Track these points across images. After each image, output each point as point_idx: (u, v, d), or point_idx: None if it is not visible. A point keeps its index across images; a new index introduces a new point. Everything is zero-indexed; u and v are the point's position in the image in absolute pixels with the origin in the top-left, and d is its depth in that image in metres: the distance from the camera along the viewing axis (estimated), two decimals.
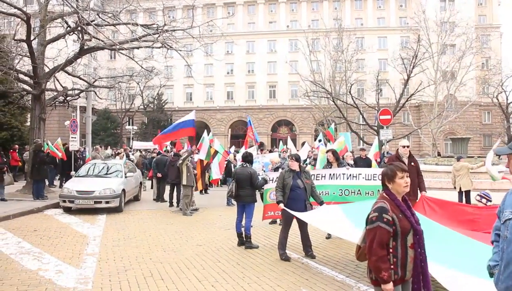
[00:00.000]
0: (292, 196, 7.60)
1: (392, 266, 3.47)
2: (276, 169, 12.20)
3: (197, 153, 14.14)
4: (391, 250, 3.50)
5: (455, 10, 41.25)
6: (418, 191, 8.19)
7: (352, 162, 10.10)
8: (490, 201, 6.92)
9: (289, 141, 21.19)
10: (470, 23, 44.32)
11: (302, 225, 7.82)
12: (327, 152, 9.94)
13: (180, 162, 13.37)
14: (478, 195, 7.06)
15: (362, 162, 13.02)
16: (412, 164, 8.24)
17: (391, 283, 3.44)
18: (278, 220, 10.24)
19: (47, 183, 17.14)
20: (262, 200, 9.86)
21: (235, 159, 16.55)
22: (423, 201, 7.79)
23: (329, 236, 9.47)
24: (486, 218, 6.52)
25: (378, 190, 8.77)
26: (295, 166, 7.80)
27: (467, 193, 13.16)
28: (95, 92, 22.45)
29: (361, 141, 27.67)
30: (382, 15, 58.89)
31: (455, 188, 13.54)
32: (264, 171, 11.40)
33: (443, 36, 37.87)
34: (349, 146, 15.24)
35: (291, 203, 7.54)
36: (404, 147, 8.26)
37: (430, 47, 35.39)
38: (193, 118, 13.92)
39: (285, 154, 16.45)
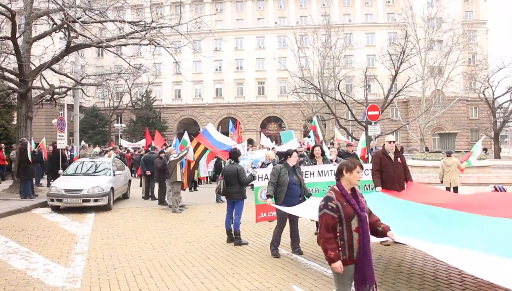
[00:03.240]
0: (290, 192, 7.58)
1: (340, 248, 3.96)
2: (264, 165, 12.20)
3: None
4: (338, 234, 3.98)
5: (442, 6, 41.44)
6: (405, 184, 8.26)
7: (332, 157, 10.08)
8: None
9: (263, 138, 21.20)
10: (457, 19, 44.63)
11: (293, 221, 7.84)
12: (314, 147, 9.96)
13: (175, 159, 13.31)
14: (493, 186, 7.13)
15: (349, 157, 13.07)
16: (399, 159, 8.28)
17: (339, 262, 3.93)
18: None
19: (34, 181, 16.99)
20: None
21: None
22: (410, 186, 7.86)
23: (317, 232, 9.51)
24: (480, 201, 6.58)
25: (365, 185, 8.86)
26: (293, 162, 7.79)
27: (456, 188, 13.27)
28: (83, 90, 22.25)
29: (349, 137, 27.75)
30: (370, 11, 59.13)
31: (441, 182, 13.62)
32: (253, 168, 11.40)
33: (430, 32, 38.12)
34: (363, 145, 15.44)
35: (288, 200, 7.52)
36: (390, 142, 8.30)
37: (418, 43, 35.62)
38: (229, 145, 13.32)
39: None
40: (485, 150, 40.84)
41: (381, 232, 4.27)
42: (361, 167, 4.24)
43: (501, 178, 17.47)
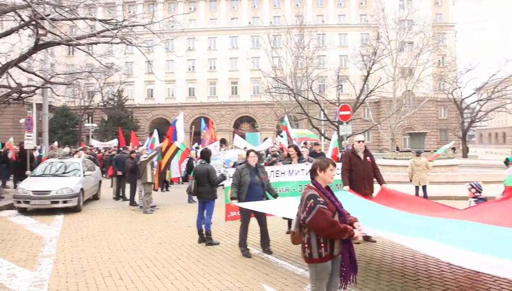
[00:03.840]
0: (251, 193, 7.60)
1: (322, 245, 4.04)
2: (237, 165, 12.17)
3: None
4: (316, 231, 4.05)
5: (413, 9, 42.31)
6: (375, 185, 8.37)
7: (304, 157, 10.13)
8: (480, 192, 7.09)
9: (237, 138, 21.20)
10: (427, 22, 45.47)
11: (262, 221, 7.85)
12: (289, 147, 9.99)
13: (145, 159, 13.17)
14: (469, 184, 7.25)
15: (317, 156, 13.24)
16: (368, 158, 8.40)
17: (357, 231, 4.15)
18: None
19: (0, 183, 16.54)
20: None
21: (197, 156, 16.46)
22: (383, 192, 7.97)
23: (289, 231, 9.55)
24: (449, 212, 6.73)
25: (336, 184, 8.94)
26: (253, 162, 7.79)
27: (424, 187, 13.52)
28: (52, 89, 21.78)
29: (322, 137, 28.00)
30: (343, 12, 59.76)
31: (410, 181, 13.85)
32: (225, 167, 11.36)
33: (402, 34, 38.77)
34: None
35: (249, 199, 7.50)
36: (359, 141, 8.41)
37: (389, 44, 36.16)
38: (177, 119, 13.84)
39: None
40: (453, 149, 41.83)
41: (349, 224, 4.29)
42: (334, 165, 4.36)
43: (468, 177, 17.85)
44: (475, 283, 5.98)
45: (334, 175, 4.36)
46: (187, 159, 16.41)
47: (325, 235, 4.03)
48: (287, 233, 9.56)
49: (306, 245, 4.12)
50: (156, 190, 14.89)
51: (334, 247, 4.08)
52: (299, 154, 9.78)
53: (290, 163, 9.45)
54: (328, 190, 4.27)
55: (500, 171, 20.15)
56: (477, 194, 7.11)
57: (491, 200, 6.99)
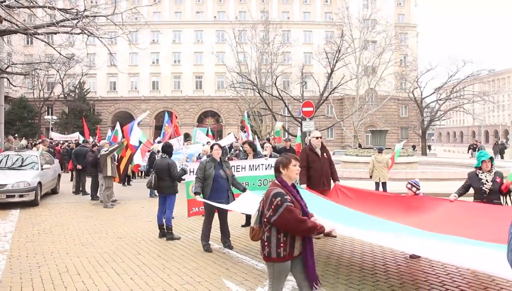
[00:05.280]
0: (215, 186, 7.56)
1: (282, 244, 3.94)
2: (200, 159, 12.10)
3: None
4: (282, 230, 3.95)
5: (376, 8, 43.07)
6: (332, 181, 8.47)
7: (267, 153, 10.18)
8: (418, 189, 7.23)
9: (199, 133, 21.14)
10: (390, 21, 46.53)
11: (222, 216, 7.84)
12: (243, 143, 10.01)
13: (105, 153, 12.92)
14: (408, 183, 7.35)
15: (287, 151, 13.46)
16: (325, 154, 8.46)
17: (328, 226, 4.19)
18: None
19: None
20: None
21: (159, 151, 16.29)
22: (336, 189, 8.09)
23: (244, 225, 9.62)
24: (398, 204, 6.95)
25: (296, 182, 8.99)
26: (217, 155, 7.77)
27: (384, 184, 13.79)
28: (8, 79, 21.02)
29: (286, 133, 28.18)
30: (308, 10, 60.17)
31: (371, 177, 14.10)
32: (188, 162, 11.28)
33: (365, 33, 39.43)
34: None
35: (214, 194, 7.50)
36: (316, 138, 8.45)
37: (353, 43, 36.73)
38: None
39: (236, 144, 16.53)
40: (413, 147, 42.94)
41: None
42: (296, 159, 4.25)
43: (426, 174, 18.39)
44: (429, 277, 6.17)
45: (298, 171, 4.22)
46: (149, 153, 16.23)
47: (294, 233, 3.94)
48: (242, 226, 9.63)
49: (265, 243, 4.01)
50: (120, 183, 14.63)
51: (294, 248, 3.98)
52: (254, 149, 9.82)
53: (246, 159, 9.47)
54: (294, 188, 4.16)
55: (458, 169, 20.85)
56: (418, 192, 7.26)
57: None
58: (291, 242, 3.96)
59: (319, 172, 8.24)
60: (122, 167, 13.43)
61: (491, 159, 6.94)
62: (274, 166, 4.28)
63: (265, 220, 4.01)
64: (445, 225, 5.77)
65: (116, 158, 13.47)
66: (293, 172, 4.16)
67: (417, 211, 6.55)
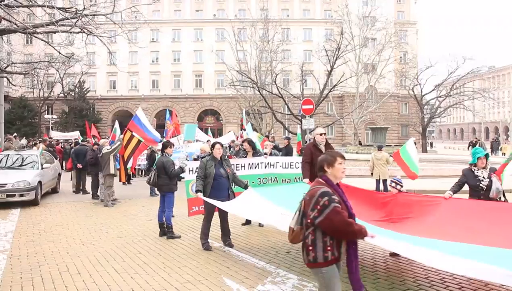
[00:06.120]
0: (215, 185, 7.56)
1: (329, 248, 3.66)
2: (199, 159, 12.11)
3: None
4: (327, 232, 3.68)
5: (376, 6, 42.98)
6: None
7: (267, 151, 10.16)
8: (402, 187, 7.19)
9: (198, 132, 21.14)
10: (390, 19, 46.46)
11: (223, 214, 7.83)
12: (243, 141, 10.00)
13: (108, 151, 12.91)
14: (391, 181, 7.30)
15: (284, 149, 13.91)
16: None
17: (368, 232, 3.79)
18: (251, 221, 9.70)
19: None
20: None
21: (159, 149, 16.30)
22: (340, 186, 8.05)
23: (245, 223, 9.62)
24: (395, 204, 6.87)
25: (295, 178, 8.98)
26: (218, 154, 7.76)
27: (384, 181, 13.78)
28: (8, 79, 21.00)
29: (286, 130, 28.18)
30: (307, 7, 60.09)
31: (371, 175, 14.10)
32: (188, 161, 11.26)
33: (365, 30, 39.45)
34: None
35: (215, 192, 7.50)
36: (320, 134, 8.41)
37: (353, 40, 36.71)
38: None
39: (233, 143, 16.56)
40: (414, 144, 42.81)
41: None
42: (342, 157, 3.96)
43: (426, 171, 18.36)
44: (429, 274, 6.16)
45: (344, 170, 3.93)
46: (146, 151, 16.24)
47: (339, 236, 3.69)
48: (243, 225, 9.63)
49: (310, 248, 3.70)
50: (124, 183, 14.66)
51: (341, 251, 3.73)
52: (253, 148, 9.81)
53: (246, 157, 9.47)
54: (339, 188, 3.89)
55: (458, 166, 20.80)
56: (402, 190, 7.16)
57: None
58: (337, 245, 3.72)
59: None
60: (123, 166, 13.46)
61: (487, 155, 6.92)
62: (318, 165, 3.97)
63: (308, 221, 3.73)
64: (450, 229, 5.57)
65: (118, 158, 13.46)
66: (339, 170, 3.88)
67: (419, 215, 6.33)
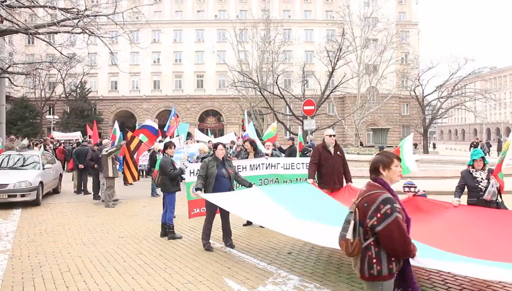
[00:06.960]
0: (217, 185, 7.54)
1: (393, 259, 3.35)
2: (202, 159, 12.12)
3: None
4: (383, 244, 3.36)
5: (377, 6, 42.97)
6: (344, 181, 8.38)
7: (268, 152, 10.13)
8: (416, 187, 6.89)
9: (197, 132, 21.13)
10: (391, 20, 46.41)
11: (224, 215, 7.82)
12: (244, 141, 9.99)
13: (106, 153, 12.92)
14: (404, 186, 6.97)
15: (288, 150, 13.96)
16: (338, 153, 8.31)
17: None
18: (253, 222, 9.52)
19: None
20: None
21: (160, 150, 16.29)
22: (346, 188, 8.00)
23: (246, 224, 9.61)
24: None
25: (296, 179, 8.95)
26: (221, 154, 7.75)
27: None
28: (10, 79, 21.03)
29: (287, 131, 28.18)
30: (309, 8, 60.07)
31: None
32: (189, 161, 11.29)
33: (366, 31, 39.41)
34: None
35: (217, 193, 7.47)
36: (330, 136, 8.35)
37: (354, 41, 36.67)
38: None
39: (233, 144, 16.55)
40: (415, 145, 42.88)
41: None
42: (398, 159, 3.59)
43: (428, 172, 18.33)
44: (431, 275, 6.15)
45: (400, 171, 3.56)
46: (148, 152, 16.24)
47: (392, 251, 3.31)
48: (244, 225, 9.62)
49: (374, 260, 3.32)
50: (132, 184, 14.67)
51: (400, 261, 3.40)
52: (255, 148, 9.79)
53: (247, 158, 9.46)
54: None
55: (460, 167, 20.75)
56: (418, 191, 6.93)
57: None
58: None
59: (330, 170, 8.07)
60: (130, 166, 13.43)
61: (483, 158, 6.87)
62: (372, 166, 3.59)
63: (367, 229, 3.36)
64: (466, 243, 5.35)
65: (121, 161, 13.43)
66: (395, 173, 3.51)
67: (433, 224, 6.02)
